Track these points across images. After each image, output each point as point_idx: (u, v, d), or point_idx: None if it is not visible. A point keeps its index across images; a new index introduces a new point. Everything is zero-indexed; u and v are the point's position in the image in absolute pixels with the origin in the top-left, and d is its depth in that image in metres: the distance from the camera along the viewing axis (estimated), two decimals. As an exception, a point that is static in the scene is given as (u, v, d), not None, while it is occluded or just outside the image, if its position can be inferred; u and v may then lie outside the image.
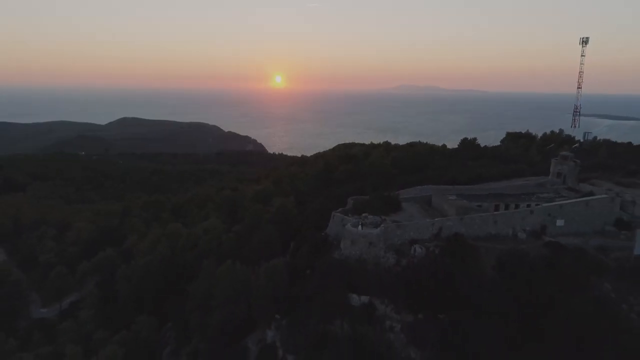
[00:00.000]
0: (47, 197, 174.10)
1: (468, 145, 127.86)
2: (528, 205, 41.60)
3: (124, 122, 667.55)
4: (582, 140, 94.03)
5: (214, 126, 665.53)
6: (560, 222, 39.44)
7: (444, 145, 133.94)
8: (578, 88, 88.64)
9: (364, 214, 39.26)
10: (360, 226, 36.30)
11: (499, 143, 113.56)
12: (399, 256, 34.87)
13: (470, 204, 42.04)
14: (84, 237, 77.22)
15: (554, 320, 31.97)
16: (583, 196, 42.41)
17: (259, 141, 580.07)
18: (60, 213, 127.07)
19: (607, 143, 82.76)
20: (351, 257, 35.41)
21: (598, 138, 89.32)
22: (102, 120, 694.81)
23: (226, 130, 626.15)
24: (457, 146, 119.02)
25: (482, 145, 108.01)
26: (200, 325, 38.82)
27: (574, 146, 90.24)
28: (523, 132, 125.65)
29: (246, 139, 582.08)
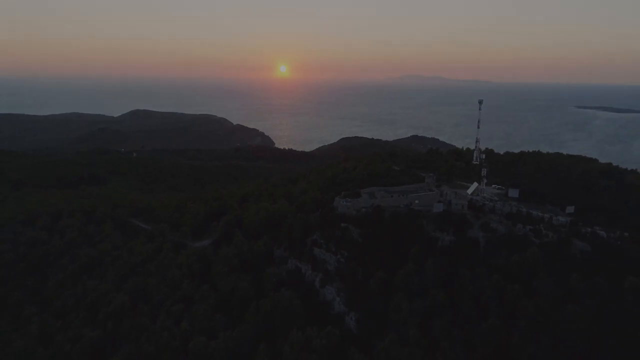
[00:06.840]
0: (127, 188, 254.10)
1: (433, 154, 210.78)
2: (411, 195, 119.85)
3: (135, 114, 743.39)
4: (482, 157, 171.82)
5: (222, 118, 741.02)
6: (417, 201, 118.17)
7: (417, 152, 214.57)
8: (477, 136, 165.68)
9: (346, 197, 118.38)
10: (344, 201, 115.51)
11: (502, 138, 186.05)
12: (357, 212, 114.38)
13: (387, 194, 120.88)
14: (203, 211, 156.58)
15: (403, 233, 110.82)
16: (430, 192, 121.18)
17: (266, 134, 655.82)
18: (158, 200, 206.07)
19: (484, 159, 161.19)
20: (341, 212, 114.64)
21: (483, 156, 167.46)
22: (114, 112, 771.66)
23: (234, 123, 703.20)
24: (451, 145, 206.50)
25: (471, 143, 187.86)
26: (290, 238, 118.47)
27: (474, 161, 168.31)
28: (464, 147, 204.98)
29: (254, 131, 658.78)
